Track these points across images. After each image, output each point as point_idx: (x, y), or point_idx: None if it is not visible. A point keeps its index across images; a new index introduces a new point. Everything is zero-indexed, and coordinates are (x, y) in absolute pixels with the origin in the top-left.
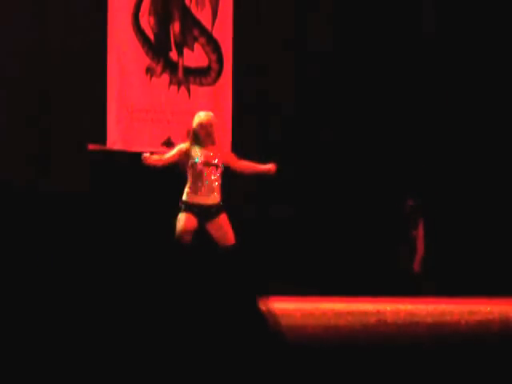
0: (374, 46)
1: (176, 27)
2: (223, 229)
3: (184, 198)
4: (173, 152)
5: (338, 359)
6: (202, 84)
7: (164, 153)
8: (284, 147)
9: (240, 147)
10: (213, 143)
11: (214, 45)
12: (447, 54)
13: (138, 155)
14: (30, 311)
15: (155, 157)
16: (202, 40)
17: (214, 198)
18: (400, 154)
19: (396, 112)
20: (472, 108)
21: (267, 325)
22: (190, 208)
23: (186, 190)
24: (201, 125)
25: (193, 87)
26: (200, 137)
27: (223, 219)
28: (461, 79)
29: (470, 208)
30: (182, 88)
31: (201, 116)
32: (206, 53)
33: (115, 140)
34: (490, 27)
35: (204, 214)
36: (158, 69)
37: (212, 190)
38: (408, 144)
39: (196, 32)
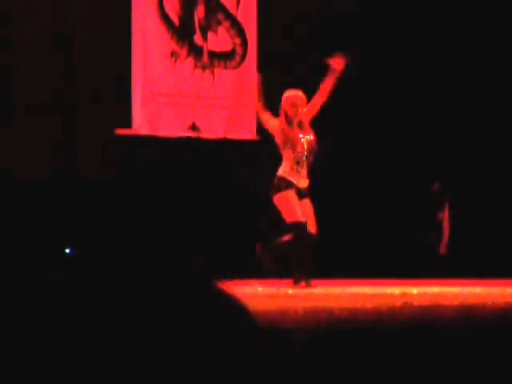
0: (400, 34)
1: (200, 11)
2: (310, 215)
3: (282, 175)
4: (271, 119)
5: (364, 342)
6: (226, 67)
7: (190, 136)
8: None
9: (265, 131)
10: (302, 123)
11: (238, 28)
12: (473, 42)
13: (165, 140)
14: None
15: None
16: (227, 24)
17: (305, 182)
18: (427, 137)
19: (424, 96)
20: (498, 93)
21: (233, 308)
22: (291, 186)
23: (285, 168)
24: (291, 103)
25: (217, 70)
26: (289, 116)
27: (310, 203)
28: (490, 64)
29: (497, 190)
30: (207, 72)
31: (290, 94)
32: (231, 36)
33: (141, 125)
34: None
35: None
36: (183, 53)
37: (306, 173)
38: (435, 128)
39: (220, 16)
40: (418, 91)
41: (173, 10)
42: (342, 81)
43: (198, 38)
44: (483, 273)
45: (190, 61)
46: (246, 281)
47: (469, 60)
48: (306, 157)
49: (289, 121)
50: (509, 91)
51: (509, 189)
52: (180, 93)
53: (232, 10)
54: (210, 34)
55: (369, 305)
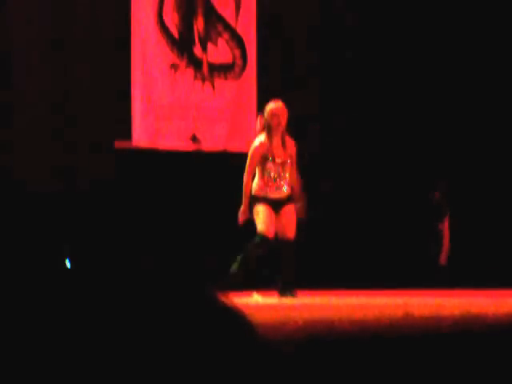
0: (398, 34)
1: (200, 23)
2: (290, 222)
3: (255, 191)
4: (252, 163)
5: (364, 353)
6: (226, 79)
7: (189, 149)
8: (309, 139)
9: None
10: (283, 134)
11: (237, 40)
12: (471, 42)
13: (164, 153)
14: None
15: (248, 190)
16: (226, 35)
17: (284, 193)
18: (427, 147)
19: (426, 104)
20: (499, 104)
21: (234, 319)
22: (265, 200)
23: (257, 182)
24: (272, 113)
25: (217, 82)
26: (272, 126)
27: (292, 210)
28: (492, 69)
29: (497, 200)
30: (207, 83)
31: (272, 105)
32: (230, 48)
33: (140, 137)
34: None
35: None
36: (183, 65)
37: (281, 185)
38: (436, 136)
39: (220, 27)
40: (419, 100)
41: (172, 23)
42: (340, 92)
43: (197, 50)
44: (484, 283)
45: (190, 72)
46: (245, 292)
47: (469, 70)
48: (284, 169)
49: (270, 133)
50: (510, 101)
51: (509, 199)
52: (180, 105)
53: (231, 22)
54: (209, 46)
55: (369, 315)
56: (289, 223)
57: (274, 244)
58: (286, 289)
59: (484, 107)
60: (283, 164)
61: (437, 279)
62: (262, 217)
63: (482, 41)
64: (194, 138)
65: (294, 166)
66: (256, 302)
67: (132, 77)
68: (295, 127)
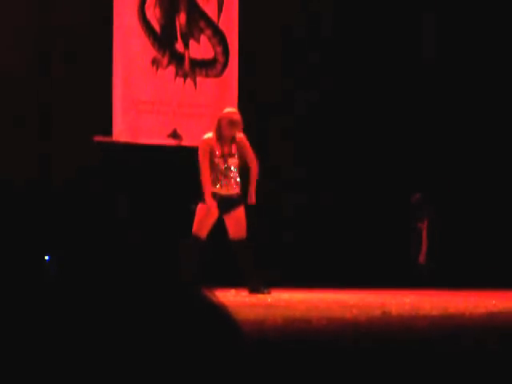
0: (378, 38)
1: (182, 19)
2: (239, 221)
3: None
4: (205, 162)
5: (342, 352)
6: (208, 76)
7: (171, 145)
8: (290, 139)
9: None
10: (234, 138)
11: (220, 37)
12: (455, 53)
13: (145, 147)
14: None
15: (208, 189)
16: (208, 32)
17: (233, 189)
18: (408, 148)
19: (407, 108)
20: (478, 104)
21: (221, 316)
22: (214, 196)
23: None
24: (227, 122)
25: (199, 79)
26: (223, 134)
27: (241, 211)
28: (472, 77)
29: (476, 202)
30: (188, 80)
31: (230, 112)
32: (212, 45)
33: (121, 132)
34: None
35: (224, 204)
36: (164, 60)
37: (230, 181)
38: (416, 137)
39: (202, 24)
40: (401, 102)
41: (154, 17)
42: (325, 94)
43: (179, 46)
44: (462, 283)
45: (172, 69)
46: (224, 289)
47: (452, 73)
48: (231, 165)
49: (222, 138)
50: (492, 104)
51: (489, 200)
52: (161, 100)
53: (214, 19)
54: (191, 42)
55: (347, 314)
56: (239, 222)
57: (203, 245)
58: (255, 285)
59: (467, 109)
60: (231, 160)
61: (415, 279)
62: (199, 217)
63: (466, 54)
64: (175, 134)
65: (250, 150)
66: (234, 300)
67: (113, 71)
68: (272, 131)
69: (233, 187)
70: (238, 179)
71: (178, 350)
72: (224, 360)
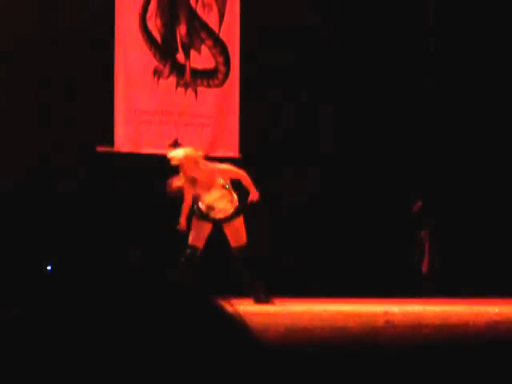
0: (380, 43)
1: (182, 29)
2: (238, 230)
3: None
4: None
5: (345, 361)
6: (209, 86)
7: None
8: (291, 148)
9: (247, 149)
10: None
11: (221, 47)
12: (455, 64)
13: (146, 157)
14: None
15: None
16: (209, 42)
17: (229, 210)
18: (410, 156)
19: (409, 116)
20: (480, 114)
21: (236, 326)
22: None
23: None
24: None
25: (200, 89)
26: (189, 175)
27: (239, 222)
28: (471, 80)
29: (479, 210)
30: (189, 90)
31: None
32: (213, 55)
33: (123, 142)
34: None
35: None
36: (166, 71)
37: (221, 209)
38: (418, 146)
39: (203, 34)
40: (404, 112)
41: (155, 28)
42: (325, 101)
43: (180, 56)
44: (465, 292)
45: (173, 79)
46: (226, 298)
47: (445, 79)
48: (214, 204)
49: (191, 181)
50: (493, 115)
51: (491, 210)
52: (162, 111)
53: (215, 29)
54: (192, 52)
55: (350, 324)
56: (237, 230)
57: (199, 255)
58: (259, 295)
59: (468, 118)
60: (208, 196)
61: (418, 287)
62: (194, 229)
63: (455, 61)
64: (176, 144)
65: (232, 172)
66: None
67: (115, 82)
68: (273, 140)
69: (228, 210)
70: (231, 198)
71: (194, 359)
72: (237, 366)
